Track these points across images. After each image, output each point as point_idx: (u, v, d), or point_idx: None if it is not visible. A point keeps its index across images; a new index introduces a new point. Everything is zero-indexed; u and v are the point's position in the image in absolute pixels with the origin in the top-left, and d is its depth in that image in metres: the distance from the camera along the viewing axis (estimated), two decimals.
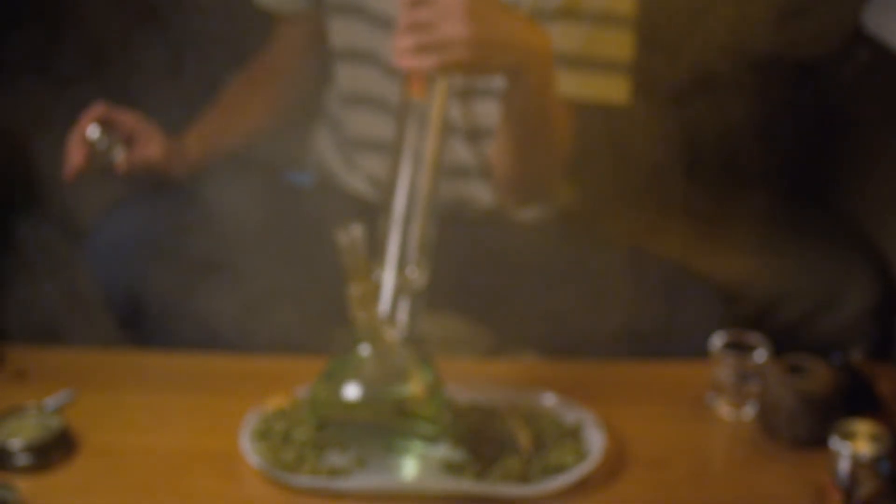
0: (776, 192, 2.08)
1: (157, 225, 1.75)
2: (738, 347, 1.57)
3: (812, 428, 1.49)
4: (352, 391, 1.41)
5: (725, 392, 1.57)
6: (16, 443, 1.47)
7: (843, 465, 1.40)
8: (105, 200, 1.83)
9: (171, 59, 1.94)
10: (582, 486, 1.44)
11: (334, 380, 1.42)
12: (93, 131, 1.69)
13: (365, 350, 1.41)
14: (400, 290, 1.42)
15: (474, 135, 1.77)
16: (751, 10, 2.01)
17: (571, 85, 1.63)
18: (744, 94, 2.02)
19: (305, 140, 1.98)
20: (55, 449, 1.48)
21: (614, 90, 1.66)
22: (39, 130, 1.81)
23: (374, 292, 1.40)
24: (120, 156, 1.70)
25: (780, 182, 2.11)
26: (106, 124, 1.71)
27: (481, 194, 1.81)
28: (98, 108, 1.70)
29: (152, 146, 1.73)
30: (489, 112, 1.71)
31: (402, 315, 1.42)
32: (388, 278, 1.41)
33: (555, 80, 1.52)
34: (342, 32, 1.78)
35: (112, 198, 1.83)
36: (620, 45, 1.66)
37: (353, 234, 1.38)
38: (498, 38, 1.42)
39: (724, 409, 1.57)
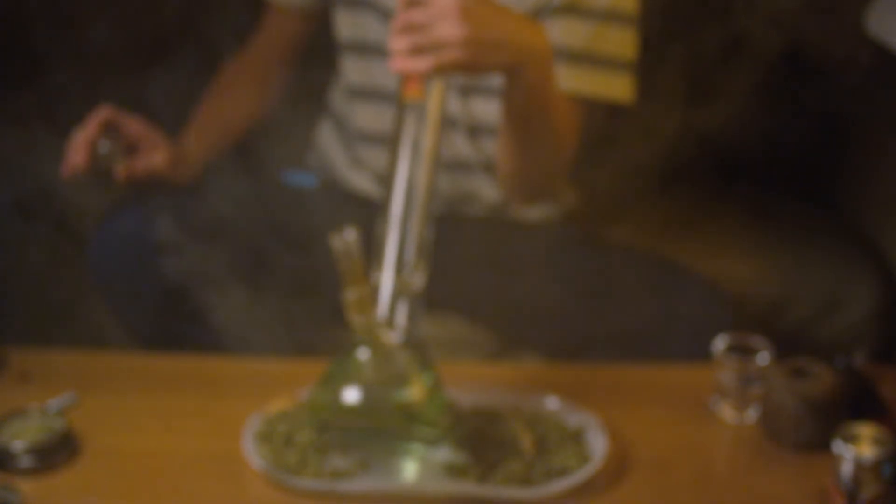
0: (780, 196, 2.09)
1: (159, 226, 1.75)
2: (742, 351, 1.57)
3: (815, 431, 1.49)
4: (351, 396, 1.41)
5: (729, 395, 1.57)
6: (19, 444, 1.47)
7: (846, 469, 1.39)
8: (107, 201, 1.84)
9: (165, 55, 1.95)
10: (585, 489, 1.44)
11: (333, 384, 1.42)
12: (96, 134, 1.69)
13: (364, 354, 1.41)
14: (398, 293, 1.41)
15: (476, 131, 1.77)
16: (755, 13, 2.01)
17: (575, 80, 1.64)
18: (748, 98, 2.03)
19: (309, 138, 1.98)
20: (58, 451, 1.48)
21: (618, 88, 1.67)
22: (42, 130, 1.81)
23: (370, 296, 1.40)
24: (120, 164, 1.70)
25: (784, 185, 2.11)
26: (111, 129, 1.70)
27: (484, 190, 1.81)
28: (104, 112, 1.70)
29: (157, 155, 1.73)
30: (491, 109, 1.71)
31: (401, 318, 1.42)
32: (386, 280, 1.41)
33: (554, 77, 1.52)
34: (350, 25, 1.79)
35: (114, 198, 1.83)
36: (624, 43, 1.66)
37: (347, 238, 1.38)
38: (493, 37, 1.42)
39: (727, 412, 1.57)
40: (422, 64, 1.41)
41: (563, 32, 1.64)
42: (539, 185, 1.69)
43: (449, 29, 1.40)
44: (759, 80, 2.01)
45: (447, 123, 1.76)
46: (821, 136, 2.13)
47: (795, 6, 2.00)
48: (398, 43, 1.42)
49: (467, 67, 1.42)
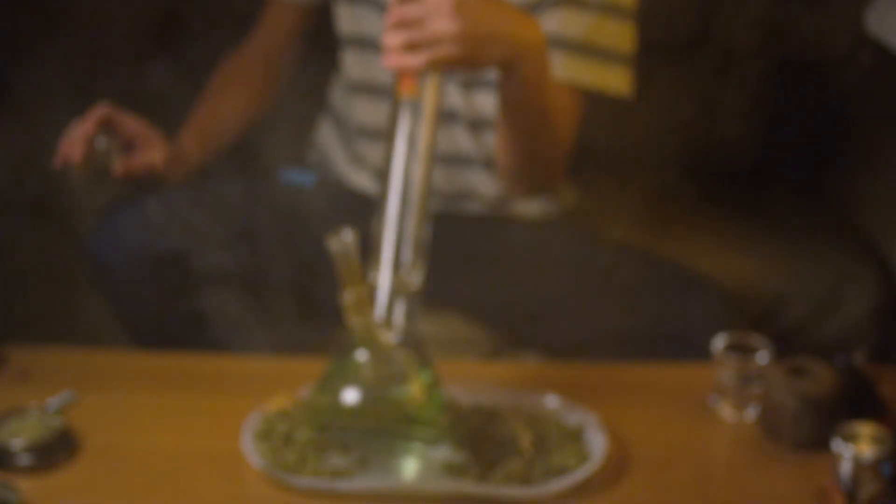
0: (779, 195, 2.09)
1: (157, 224, 1.75)
2: (741, 349, 1.57)
3: (814, 430, 1.49)
4: (350, 397, 1.41)
5: (728, 394, 1.56)
6: (18, 443, 1.46)
7: (846, 468, 1.39)
8: (105, 199, 1.84)
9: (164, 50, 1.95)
10: (584, 487, 1.44)
11: (332, 386, 1.41)
12: (93, 130, 1.69)
13: (362, 355, 1.41)
14: (396, 292, 1.41)
15: (476, 125, 1.77)
16: (754, 13, 2.02)
17: (573, 71, 1.64)
18: (748, 97, 2.03)
19: (308, 136, 1.98)
20: (57, 449, 1.48)
21: (616, 80, 1.67)
22: (42, 127, 1.80)
23: (368, 297, 1.40)
24: (116, 161, 1.70)
25: (783, 184, 2.11)
26: (108, 126, 1.70)
27: (483, 185, 1.81)
28: (102, 109, 1.70)
29: (154, 153, 1.73)
30: (494, 102, 1.71)
31: (399, 317, 1.41)
32: (383, 280, 1.41)
33: (550, 70, 1.52)
34: (350, 20, 1.79)
35: (112, 196, 1.83)
36: (622, 36, 1.67)
37: (344, 239, 1.38)
38: (487, 32, 1.42)
39: (726, 411, 1.57)
40: (416, 60, 1.41)
41: (561, 23, 1.64)
42: (538, 177, 1.69)
43: (443, 24, 1.40)
44: (758, 78, 2.01)
45: (448, 117, 1.76)
46: (820, 135, 2.13)
47: (795, 5, 2.00)
48: (392, 39, 1.42)
49: (462, 63, 1.42)
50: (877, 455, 1.39)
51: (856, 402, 1.53)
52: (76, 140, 1.68)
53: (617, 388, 1.63)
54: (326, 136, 1.94)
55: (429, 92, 1.44)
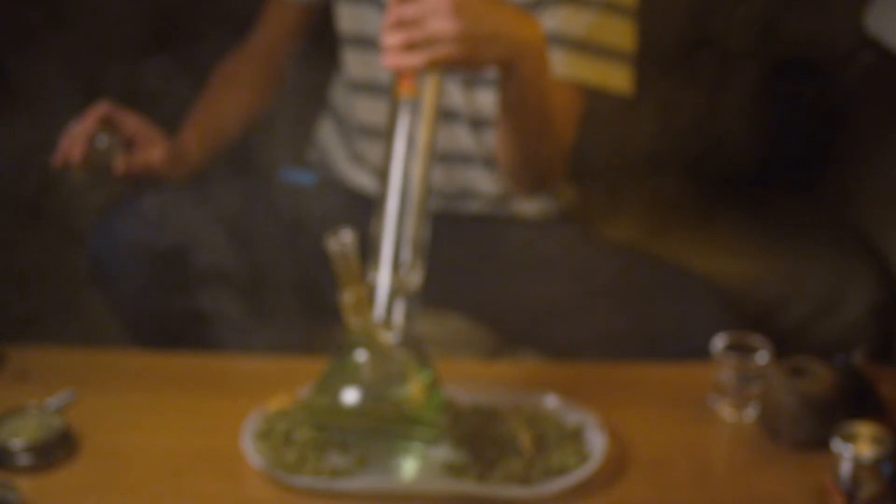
0: (779, 194, 2.09)
1: (157, 223, 1.75)
2: (740, 349, 1.57)
3: (814, 430, 1.49)
4: (349, 397, 1.40)
5: (727, 394, 1.56)
6: (17, 443, 1.46)
7: (845, 467, 1.39)
8: (104, 197, 1.84)
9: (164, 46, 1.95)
10: (583, 487, 1.44)
11: (331, 386, 1.41)
12: (94, 129, 1.69)
13: (362, 355, 1.41)
14: (395, 292, 1.41)
15: (477, 123, 1.77)
16: (754, 13, 2.02)
17: (574, 68, 1.64)
18: (748, 97, 2.03)
19: (309, 136, 1.98)
20: (56, 449, 1.48)
21: (617, 78, 1.67)
22: (41, 127, 1.80)
23: (367, 298, 1.40)
24: (118, 158, 1.70)
25: (783, 184, 2.11)
26: (108, 124, 1.70)
27: (483, 184, 1.81)
28: (102, 107, 1.70)
29: (154, 151, 1.73)
30: (492, 101, 1.71)
31: (398, 317, 1.41)
32: (382, 280, 1.41)
33: (549, 68, 1.52)
34: (351, 18, 1.79)
35: (111, 194, 1.83)
36: (623, 34, 1.67)
37: (343, 240, 1.38)
38: (487, 31, 1.42)
39: (725, 410, 1.57)
40: (415, 60, 1.41)
41: (562, 21, 1.64)
42: (539, 175, 1.69)
43: (442, 24, 1.39)
44: (758, 79, 2.01)
45: (449, 115, 1.76)
46: (820, 135, 2.13)
47: (795, 5, 2.00)
48: (390, 39, 1.42)
49: (462, 62, 1.42)
50: (876, 455, 1.39)
51: (855, 402, 1.53)
52: (76, 138, 1.68)
53: (617, 388, 1.63)
54: (327, 135, 1.94)
55: (428, 91, 1.44)
